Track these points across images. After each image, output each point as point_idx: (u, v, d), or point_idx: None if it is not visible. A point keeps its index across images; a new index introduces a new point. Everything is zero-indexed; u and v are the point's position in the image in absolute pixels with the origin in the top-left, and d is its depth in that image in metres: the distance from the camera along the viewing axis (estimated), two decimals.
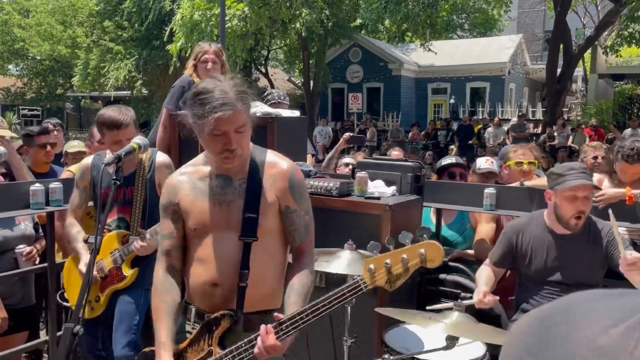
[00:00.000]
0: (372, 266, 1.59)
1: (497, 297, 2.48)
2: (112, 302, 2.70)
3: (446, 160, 3.90)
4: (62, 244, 3.45)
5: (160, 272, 1.80)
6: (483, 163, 3.87)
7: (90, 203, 2.87)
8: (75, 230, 2.70)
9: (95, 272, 2.52)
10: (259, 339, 1.61)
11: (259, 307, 1.77)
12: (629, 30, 13.87)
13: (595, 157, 4.14)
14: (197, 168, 1.81)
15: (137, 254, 2.60)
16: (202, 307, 1.78)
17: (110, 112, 2.59)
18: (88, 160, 2.79)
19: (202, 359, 1.73)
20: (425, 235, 1.60)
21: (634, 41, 14.03)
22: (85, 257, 2.61)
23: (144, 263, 2.63)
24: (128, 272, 2.64)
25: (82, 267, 2.58)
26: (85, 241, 2.57)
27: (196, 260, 1.77)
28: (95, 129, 3.51)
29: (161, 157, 2.75)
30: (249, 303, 1.74)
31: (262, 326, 1.62)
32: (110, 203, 1.72)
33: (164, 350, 1.70)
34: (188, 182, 1.79)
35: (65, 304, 2.96)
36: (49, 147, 3.80)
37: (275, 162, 1.81)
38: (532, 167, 3.54)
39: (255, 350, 1.62)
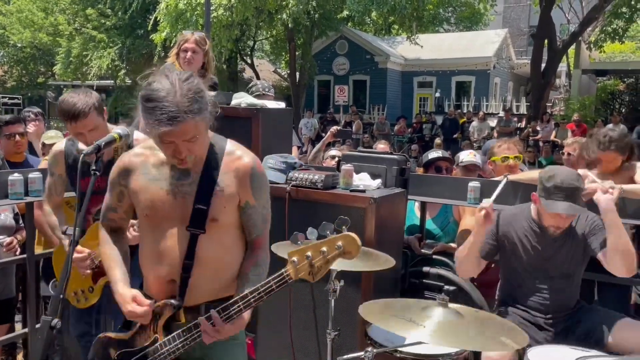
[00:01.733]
0: (295, 258, 1.58)
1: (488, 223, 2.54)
2: (106, 292, 2.62)
3: (432, 154, 3.91)
4: (44, 232, 3.39)
5: (104, 231, 1.89)
6: (466, 156, 3.88)
7: (71, 193, 2.80)
8: (54, 218, 2.60)
9: (87, 264, 2.44)
10: (202, 321, 1.65)
11: (215, 296, 1.77)
12: (612, 26, 14.02)
13: (569, 154, 4.18)
14: (154, 152, 1.76)
15: (130, 243, 2.51)
16: (158, 297, 1.79)
17: (68, 100, 2.34)
18: (60, 145, 2.60)
19: (148, 345, 1.77)
20: (344, 227, 1.60)
21: (617, 37, 14.19)
22: (66, 244, 2.51)
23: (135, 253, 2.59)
24: None
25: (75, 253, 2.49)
26: (64, 232, 2.49)
27: (151, 252, 1.77)
28: None
29: (138, 141, 2.54)
30: (199, 297, 1.76)
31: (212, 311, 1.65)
32: (89, 195, 1.67)
33: (122, 285, 1.76)
34: (141, 166, 1.76)
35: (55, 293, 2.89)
36: (17, 137, 3.73)
37: (235, 155, 1.77)
38: (518, 161, 3.56)
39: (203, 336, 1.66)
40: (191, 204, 1.72)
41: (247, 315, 1.70)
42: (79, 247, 2.39)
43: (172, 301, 1.74)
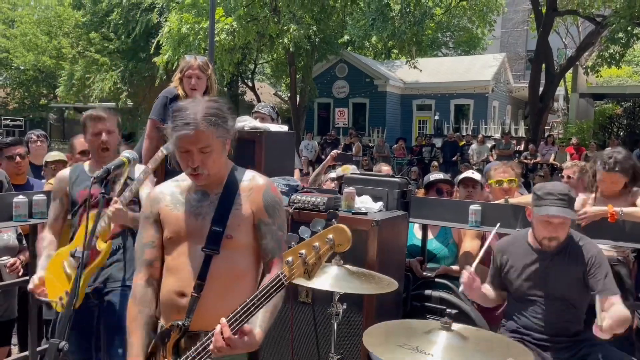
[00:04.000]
0: (289, 258, 1.56)
1: (474, 292, 2.56)
2: (97, 297, 2.60)
3: (434, 176, 3.93)
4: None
5: (141, 282, 1.83)
6: (464, 172, 3.91)
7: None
8: (44, 243, 2.59)
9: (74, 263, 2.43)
10: (214, 334, 1.60)
11: (214, 324, 1.66)
12: (609, 51, 14.18)
13: (569, 177, 4.21)
14: (179, 183, 1.89)
15: (112, 220, 2.43)
16: (167, 317, 1.80)
17: (96, 108, 2.69)
18: (65, 172, 2.69)
19: None
20: (334, 220, 1.58)
21: (613, 62, 14.34)
22: (39, 273, 2.48)
23: (117, 259, 2.60)
24: (102, 246, 2.48)
25: (35, 279, 2.47)
26: (72, 255, 2.48)
27: (167, 270, 1.82)
28: (76, 141, 3.49)
29: (141, 168, 2.61)
30: (206, 320, 1.72)
31: (222, 319, 1.60)
32: (97, 219, 1.69)
33: (135, 353, 1.74)
34: (169, 195, 1.86)
35: (43, 299, 2.83)
36: (18, 159, 3.76)
37: (251, 178, 1.88)
38: (513, 184, 3.58)
39: (210, 347, 1.61)
40: (209, 224, 1.78)
41: (259, 335, 1.67)
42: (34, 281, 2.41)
43: (179, 322, 1.75)
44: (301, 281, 1.59)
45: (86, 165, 2.72)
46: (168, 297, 1.80)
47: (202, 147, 1.71)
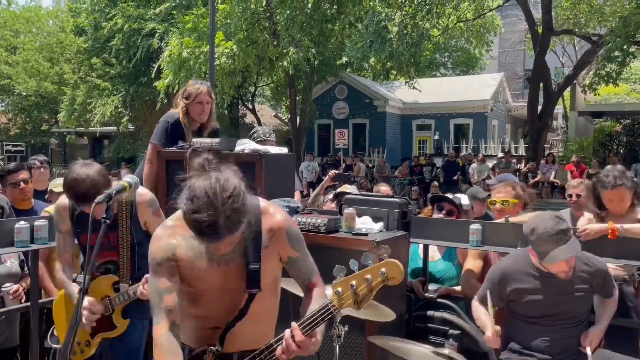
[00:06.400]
0: (339, 289, 1.62)
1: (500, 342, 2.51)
2: (103, 347, 2.61)
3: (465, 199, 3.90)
4: (43, 284, 3.41)
5: (164, 331, 1.67)
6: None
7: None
8: (62, 275, 2.59)
9: (85, 317, 2.43)
10: (285, 338, 1.65)
11: (246, 347, 1.79)
12: (606, 69, 14.29)
13: (578, 195, 4.18)
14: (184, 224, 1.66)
15: (141, 297, 2.48)
16: (196, 345, 1.80)
17: (77, 181, 2.30)
18: (65, 201, 2.57)
19: None
20: (385, 255, 1.63)
21: (611, 80, 14.44)
22: (86, 299, 2.43)
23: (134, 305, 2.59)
24: (120, 322, 2.56)
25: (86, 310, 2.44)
26: (74, 280, 2.49)
27: (193, 314, 1.79)
28: None
29: (141, 195, 2.60)
30: (237, 343, 1.78)
31: (293, 323, 1.66)
32: (100, 242, 1.70)
33: None
34: (184, 240, 1.73)
35: (53, 345, 2.84)
36: (22, 184, 3.78)
37: (269, 213, 1.81)
38: (506, 205, 3.55)
39: (278, 351, 1.67)
40: (235, 268, 1.74)
41: (320, 335, 1.70)
42: (91, 299, 2.40)
43: (212, 347, 1.76)
44: (350, 311, 1.66)
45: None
46: (200, 332, 1.79)
47: (227, 243, 1.62)
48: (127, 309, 2.60)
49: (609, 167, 3.46)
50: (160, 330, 1.67)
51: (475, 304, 2.72)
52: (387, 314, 2.29)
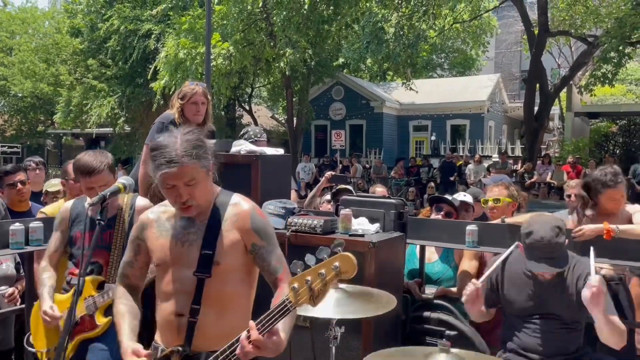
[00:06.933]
0: (295, 285, 1.60)
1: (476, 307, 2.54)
2: (81, 350, 2.54)
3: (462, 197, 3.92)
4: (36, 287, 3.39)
5: (120, 287, 1.96)
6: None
7: None
8: (46, 275, 2.58)
9: (58, 316, 2.39)
10: (240, 339, 1.63)
11: (215, 347, 1.74)
12: (602, 70, 14.31)
13: (577, 195, 4.19)
14: (166, 208, 1.91)
15: None
16: (166, 343, 1.83)
17: (85, 158, 2.58)
18: (68, 204, 2.70)
19: None
20: (339, 248, 1.62)
21: (606, 81, 14.48)
22: (47, 302, 2.46)
23: None
24: (101, 320, 2.52)
25: (43, 312, 2.43)
26: (68, 283, 2.47)
27: (162, 295, 1.86)
28: (70, 167, 3.50)
29: (141, 202, 2.68)
30: (205, 341, 1.79)
31: (251, 322, 1.63)
32: (95, 243, 1.70)
33: (126, 338, 1.80)
34: (156, 221, 1.90)
35: (30, 348, 2.82)
36: (19, 185, 3.76)
37: (236, 203, 1.89)
38: (497, 203, 3.56)
39: (238, 350, 1.63)
40: (196, 250, 1.81)
41: (285, 338, 1.68)
42: (54, 308, 2.40)
43: (179, 348, 1.77)
44: (306, 307, 1.63)
45: (87, 201, 2.70)
46: (166, 319, 1.83)
47: (188, 181, 1.73)
48: (109, 307, 2.57)
49: (601, 167, 3.46)
50: (118, 287, 1.96)
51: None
52: (385, 302, 2.26)
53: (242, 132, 4.18)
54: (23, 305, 3.15)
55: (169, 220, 1.88)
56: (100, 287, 2.58)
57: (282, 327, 1.67)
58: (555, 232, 2.44)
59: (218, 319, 1.81)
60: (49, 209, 3.37)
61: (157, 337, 1.89)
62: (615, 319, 2.37)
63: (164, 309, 1.84)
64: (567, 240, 2.51)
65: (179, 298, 1.81)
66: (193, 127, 1.81)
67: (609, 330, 2.31)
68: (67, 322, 1.55)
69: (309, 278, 1.58)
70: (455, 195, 3.99)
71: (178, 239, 1.84)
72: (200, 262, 1.80)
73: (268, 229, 1.90)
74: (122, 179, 2.05)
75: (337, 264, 1.57)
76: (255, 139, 4.03)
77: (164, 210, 1.92)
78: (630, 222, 3.17)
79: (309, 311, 2.00)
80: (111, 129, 22.13)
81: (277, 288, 1.85)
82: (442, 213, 3.62)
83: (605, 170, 3.29)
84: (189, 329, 1.79)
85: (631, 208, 3.28)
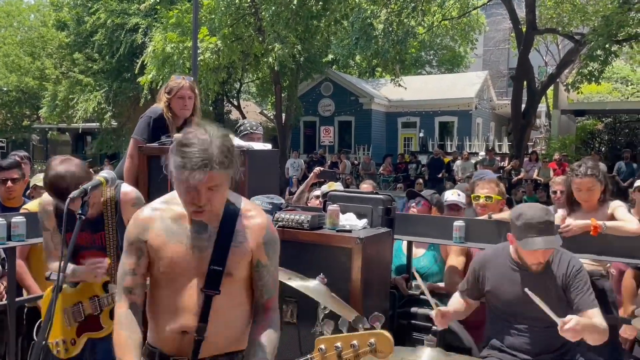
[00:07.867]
0: (323, 346, 1.53)
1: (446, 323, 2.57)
2: (88, 348, 2.55)
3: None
4: (23, 283, 3.35)
5: (123, 309, 1.73)
6: (450, 195, 3.92)
7: None
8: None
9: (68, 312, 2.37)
10: None
11: (224, 350, 1.74)
12: (588, 68, 14.42)
13: (562, 192, 4.22)
14: (170, 207, 1.74)
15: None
16: (168, 350, 1.74)
17: (57, 176, 2.28)
18: (48, 198, 2.52)
19: None
20: (378, 323, 1.56)
21: (593, 79, 14.59)
22: (81, 266, 2.46)
23: None
24: (106, 323, 2.50)
25: (90, 262, 2.45)
26: (48, 278, 2.43)
27: (164, 307, 1.73)
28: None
29: (125, 194, 2.58)
30: (209, 350, 1.71)
31: None
32: (74, 238, 1.65)
33: None
34: (160, 221, 1.73)
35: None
36: (9, 183, 3.69)
37: (250, 214, 1.78)
38: (489, 201, 3.56)
39: None
40: (207, 261, 1.70)
41: None
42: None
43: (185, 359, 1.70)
44: None
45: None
46: (170, 336, 1.71)
47: (212, 186, 1.60)
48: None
49: (584, 158, 3.49)
50: (121, 307, 1.73)
51: (455, 293, 2.74)
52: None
53: (237, 125, 4.16)
54: (6, 302, 3.10)
55: (176, 222, 1.72)
56: (104, 286, 2.55)
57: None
58: (545, 211, 2.46)
59: (223, 331, 1.73)
60: (32, 205, 3.31)
61: (154, 341, 1.77)
62: (596, 320, 2.37)
63: (166, 322, 1.72)
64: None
65: (184, 314, 1.70)
66: (226, 130, 1.67)
67: (589, 333, 2.32)
68: (46, 319, 1.52)
69: (339, 345, 1.51)
70: (446, 193, 3.99)
71: (191, 245, 1.70)
72: (209, 277, 1.69)
73: (277, 247, 1.82)
74: (104, 173, 2.01)
75: (373, 340, 1.49)
76: (251, 131, 4.00)
77: (166, 209, 1.75)
78: (611, 218, 3.18)
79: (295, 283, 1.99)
80: (98, 123, 21.94)
81: (264, 313, 1.78)
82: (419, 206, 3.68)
83: (582, 162, 3.32)
84: (195, 345, 1.69)
85: (612, 204, 3.29)
